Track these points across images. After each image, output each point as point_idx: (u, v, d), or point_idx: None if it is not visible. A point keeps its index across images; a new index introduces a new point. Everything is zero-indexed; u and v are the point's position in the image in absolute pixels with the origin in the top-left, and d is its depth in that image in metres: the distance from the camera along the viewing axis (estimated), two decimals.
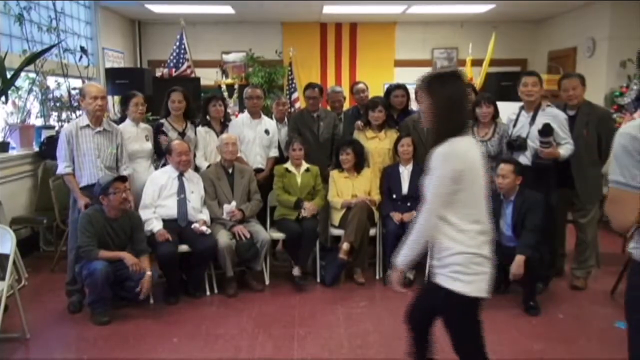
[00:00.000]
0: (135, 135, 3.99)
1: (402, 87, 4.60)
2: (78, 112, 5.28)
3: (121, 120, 4.21)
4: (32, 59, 4.63)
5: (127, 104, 4.04)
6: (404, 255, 2.06)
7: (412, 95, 4.62)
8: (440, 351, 3.04)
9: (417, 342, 2.32)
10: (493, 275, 2.07)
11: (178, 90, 4.23)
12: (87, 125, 3.59)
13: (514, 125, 3.90)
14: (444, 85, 2.04)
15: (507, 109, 4.14)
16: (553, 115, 3.72)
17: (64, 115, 5.35)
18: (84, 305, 3.60)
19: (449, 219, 1.98)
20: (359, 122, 4.42)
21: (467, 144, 2.01)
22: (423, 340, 2.31)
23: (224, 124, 4.48)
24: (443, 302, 2.03)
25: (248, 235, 3.87)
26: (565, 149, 3.66)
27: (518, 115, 3.90)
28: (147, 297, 3.57)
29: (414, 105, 4.67)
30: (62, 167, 3.57)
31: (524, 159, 3.76)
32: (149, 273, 3.46)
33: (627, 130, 1.66)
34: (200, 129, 4.33)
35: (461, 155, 1.96)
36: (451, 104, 2.02)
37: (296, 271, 4.09)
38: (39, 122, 5.22)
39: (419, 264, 4.11)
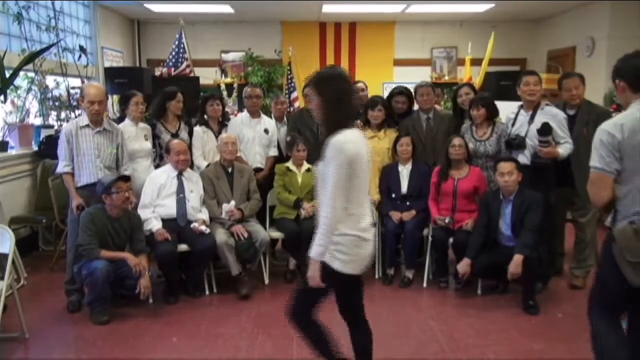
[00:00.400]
0: (134, 134, 3.99)
1: (405, 94, 4.46)
2: (77, 112, 5.28)
3: (120, 119, 4.21)
4: (31, 58, 4.63)
5: (126, 103, 4.04)
6: (318, 247, 2.17)
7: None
8: (440, 351, 3.05)
9: (314, 337, 2.45)
10: (372, 255, 2.31)
11: (178, 90, 4.29)
12: (87, 125, 3.59)
13: (513, 124, 3.90)
14: (330, 85, 2.25)
15: (506, 109, 4.14)
16: (552, 115, 3.72)
17: (63, 115, 5.35)
18: (83, 305, 3.60)
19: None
20: (358, 121, 4.41)
21: (355, 135, 2.22)
22: (317, 331, 2.44)
23: (222, 124, 4.48)
24: (326, 277, 2.21)
25: (246, 235, 3.87)
26: (564, 148, 3.66)
27: (517, 115, 3.90)
28: (147, 297, 3.56)
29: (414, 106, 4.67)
30: (61, 166, 3.57)
31: (523, 158, 3.76)
32: (146, 273, 3.45)
33: (605, 127, 2.16)
34: (197, 128, 4.34)
35: (352, 144, 2.15)
36: (338, 101, 2.22)
37: (292, 265, 4.14)
38: (38, 121, 5.21)
39: (419, 263, 4.16)
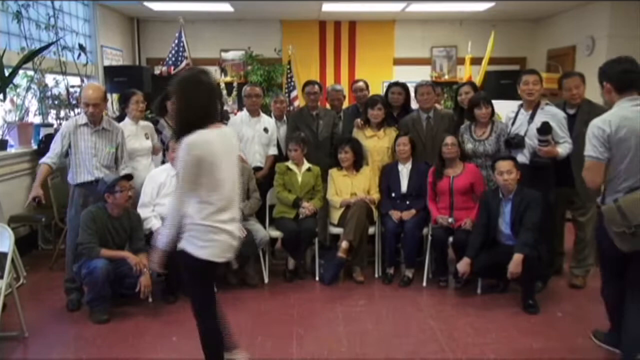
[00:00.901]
0: (134, 133, 3.98)
1: (400, 85, 4.58)
2: (77, 110, 5.27)
3: (120, 118, 4.20)
4: (30, 56, 4.62)
5: (126, 102, 4.04)
6: (164, 236, 2.32)
7: (412, 94, 4.65)
8: (440, 350, 3.05)
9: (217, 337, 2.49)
10: (234, 248, 2.45)
11: None
12: (86, 124, 3.58)
13: (513, 124, 3.90)
14: (183, 86, 2.34)
15: (506, 108, 4.14)
16: (552, 114, 3.72)
17: (62, 113, 5.34)
18: (82, 304, 3.60)
19: (193, 195, 2.31)
20: (358, 120, 4.41)
21: (210, 136, 2.30)
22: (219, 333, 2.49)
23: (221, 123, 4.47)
24: (181, 261, 2.36)
25: (244, 233, 3.86)
26: (563, 148, 3.65)
27: (517, 114, 3.90)
28: (147, 296, 3.56)
29: (413, 104, 4.67)
30: (45, 157, 3.54)
31: (522, 157, 3.75)
32: (146, 271, 3.45)
33: (596, 123, 2.62)
34: None
35: (201, 145, 2.25)
36: (190, 101, 2.31)
37: (291, 265, 4.14)
38: (37, 120, 5.20)
39: (419, 262, 4.16)
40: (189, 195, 2.29)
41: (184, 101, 2.33)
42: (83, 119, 3.59)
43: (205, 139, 2.27)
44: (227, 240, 2.39)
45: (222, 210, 2.36)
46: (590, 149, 2.61)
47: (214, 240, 2.33)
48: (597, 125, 2.60)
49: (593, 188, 2.68)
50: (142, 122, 4.11)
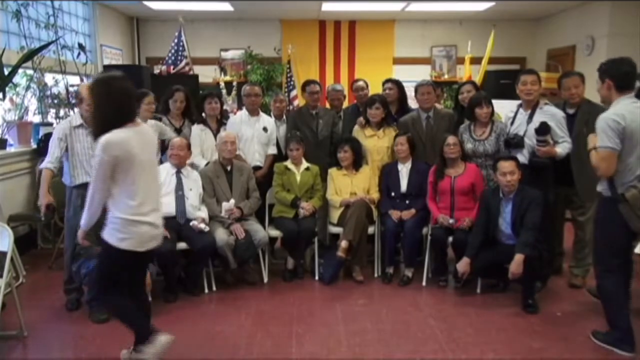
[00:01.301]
0: None
1: (392, 81, 4.68)
2: (76, 109, 5.25)
3: None
4: (29, 55, 4.62)
5: (138, 102, 4.02)
6: (85, 220, 2.56)
7: (410, 94, 4.66)
8: (439, 350, 3.05)
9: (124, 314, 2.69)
10: (155, 235, 2.62)
11: (181, 90, 4.37)
12: (81, 125, 3.55)
13: (512, 123, 3.90)
14: (99, 87, 2.50)
15: (506, 107, 4.14)
16: (551, 114, 3.72)
17: (61, 112, 5.34)
18: (82, 303, 3.60)
19: (112, 191, 2.49)
20: (360, 119, 4.41)
21: (125, 134, 2.44)
22: (126, 309, 2.68)
23: (220, 122, 4.49)
24: (103, 247, 2.57)
25: (243, 235, 3.87)
26: (562, 147, 3.65)
27: (516, 113, 3.90)
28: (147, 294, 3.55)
29: (412, 104, 4.67)
30: (45, 162, 3.51)
31: (521, 157, 3.74)
32: (146, 271, 3.44)
33: (610, 116, 2.82)
34: (195, 127, 4.35)
35: (117, 144, 2.40)
36: (103, 104, 2.47)
37: (290, 264, 4.14)
38: (36, 119, 5.20)
39: (419, 262, 4.16)
40: (104, 191, 2.47)
41: (96, 103, 2.52)
42: (77, 120, 3.55)
43: (119, 138, 2.42)
44: (147, 231, 2.56)
45: (142, 203, 2.52)
46: (607, 140, 2.79)
47: (134, 232, 2.51)
48: (611, 118, 2.80)
49: (607, 177, 2.89)
50: (150, 122, 4.12)
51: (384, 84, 4.70)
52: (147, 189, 2.56)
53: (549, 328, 3.32)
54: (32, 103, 5.08)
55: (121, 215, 2.48)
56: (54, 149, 3.50)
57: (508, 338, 3.19)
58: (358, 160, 4.26)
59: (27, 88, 4.94)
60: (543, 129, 3.56)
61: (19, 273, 3.96)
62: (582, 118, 3.79)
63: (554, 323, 3.40)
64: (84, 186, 3.52)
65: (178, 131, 4.29)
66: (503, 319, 3.44)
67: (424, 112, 4.33)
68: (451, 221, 3.85)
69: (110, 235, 2.51)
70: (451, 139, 3.91)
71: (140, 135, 2.53)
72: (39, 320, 3.42)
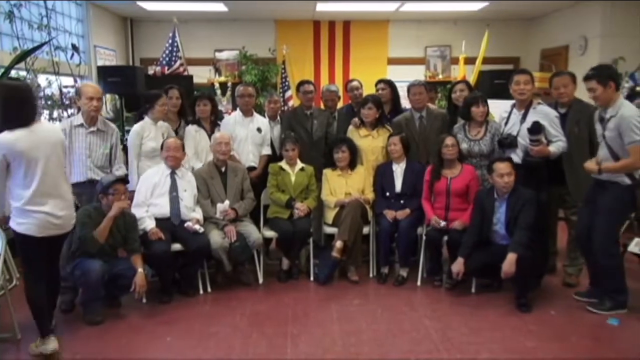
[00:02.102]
0: (154, 134, 4.04)
1: (385, 81, 4.70)
2: (70, 111, 5.25)
3: (139, 118, 4.19)
4: (22, 56, 4.59)
5: (152, 102, 4.04)
6: None
7: (404, 94, 4.66)
8: (434, 349, 3.06)
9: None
10: (53, 223, 2.89)
11: (174, 87, 4.40)
12: (81, 124, 3.61)
13: (506, 124, 3.91)
14: None
15: (500, 107, 4.15)
16: (544, 113, 3.74)
17: (55, 114, 5.31)
18: (76, 304, 3.58)
19: (8, 184, 2.84)
20: (355, 119, 4.42)
21: (15, 136, 2.74)
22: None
23: (214, 123, 4.48)
24: (15, 238, 2.90)
25: (235, 238, 3.85)
26: (556, 147, 3.67)
27: (509, 113, 3.91)
28: (142, 295, 3.55)
29: (405, 103, 4.68)
30: None
31: (515, 156, 3.76)
32: (140, 270, 3.44)
33: (633, 114, 3.18)
34: (189, 127, 4.34)
35: (5, 145, 2.72)
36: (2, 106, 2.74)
37: (285, 265, 4.14)
38: None
39: (413, 262, 4.17)
40: (1, 184, 2.82)
41: None
42: (78, 120, 3.62)
43: (9, 140, 2.72)
44: (45, 219, 2.85)
45: (39, 194, 2.82)
46: None
47: (31, 218, 2.82)
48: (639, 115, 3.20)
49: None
50: (160, 122, 4.13)
51: (376, 84, 4.71)
52: (42, 182, 2.82)
53: (544, 327, 3.33)
54: None
55: (19, 206, 2.81)
56: None
57: (503, 337, 3.20)
58: (354, 160, 4.26)
59: None
60: (536, 128, 3.58)
61: (13, 275, 3.94)
62: (573, 117, 3.81)
63: (547, 322, 3.41)
64: (79, 185, 3.56)
65: (175, 133, 4.30)
66: (498, 319, 3.45)
67: (417, 112, 4.34)
68: (443, 224, 3.85)
69: (13, 222, 2.87)
70: (449, 140, 3.91)
71: (34, 134, 2.80)
72: (33, 322, 3.36)
